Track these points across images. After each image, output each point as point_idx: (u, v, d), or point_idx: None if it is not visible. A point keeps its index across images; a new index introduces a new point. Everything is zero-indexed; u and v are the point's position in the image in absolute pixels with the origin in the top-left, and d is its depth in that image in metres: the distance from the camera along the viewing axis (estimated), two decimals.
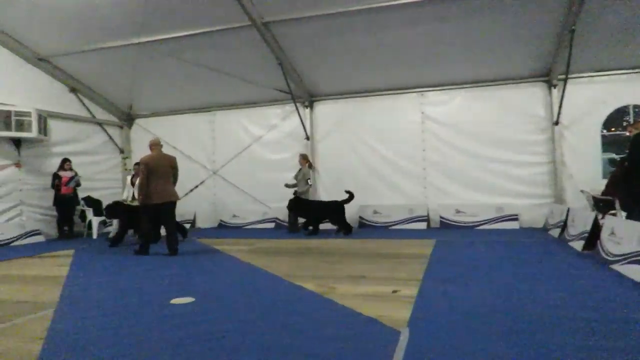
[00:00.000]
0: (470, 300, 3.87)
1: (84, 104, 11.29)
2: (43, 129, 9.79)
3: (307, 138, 10.78)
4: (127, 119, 12.44)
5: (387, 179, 10.25)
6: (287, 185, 9.83)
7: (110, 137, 12.06)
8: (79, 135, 11.20)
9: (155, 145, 7.35)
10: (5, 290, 5.02)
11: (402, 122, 10.15)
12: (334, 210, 9.34)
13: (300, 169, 9.92)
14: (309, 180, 9.74)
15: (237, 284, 4.89)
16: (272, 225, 10.95)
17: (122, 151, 12.34)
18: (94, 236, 10.06)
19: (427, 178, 10.01)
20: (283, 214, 10.62)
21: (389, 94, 10.30)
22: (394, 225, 9.95)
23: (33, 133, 9.46)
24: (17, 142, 9.72)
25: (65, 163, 9.94)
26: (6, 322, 3.71)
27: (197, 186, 11.79)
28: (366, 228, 10.05)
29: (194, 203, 11.77)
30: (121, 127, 12.42)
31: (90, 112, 11.49)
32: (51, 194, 9.90)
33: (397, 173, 10.18)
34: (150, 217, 7.15)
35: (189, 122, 11.91)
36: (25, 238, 9.47)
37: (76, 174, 10.01)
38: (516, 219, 9.31)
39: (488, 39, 8.35)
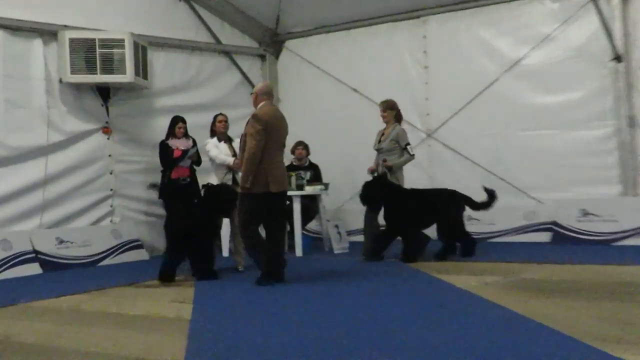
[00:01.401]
0: None
1: (203, 22, 12.43)
2: (142, 69, 10.93)
3: (617, 59, 10.40)
4: (273, 42, 13.37)
5: None
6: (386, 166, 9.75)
7: (246, 76, 13.08)
8: (197, 76, 12.39)
9: (268, 94, 7.96)
10: (104, 337, 5.70)
11: None
12: (453, 204, 9.33)
13: (385, 128, 9.92)
14: (408, 147, 9.61)
15: (497, 352, 4.80)
16: (545, 236, 10.93)
17: None
18: (224, 253, 11.00)
19: None
20: (561, 216, 10.61)
21: None
22: None
23: (128, 76, 10.62)
24: (105, 93, 11.12)
25: (177, 125, 10.63)
26: None
27: None
28: None
29: None
30: (262, 58, 13.38)
31: (214, 35, 12.60)
32: (157, 178, 10.83)
33: None
34: (262, 216, 7.86)
35: (380, 40, 12.31)
36: (120, 253, 10.87)
37: (194, 144, 10.71)
38: None
39: None
